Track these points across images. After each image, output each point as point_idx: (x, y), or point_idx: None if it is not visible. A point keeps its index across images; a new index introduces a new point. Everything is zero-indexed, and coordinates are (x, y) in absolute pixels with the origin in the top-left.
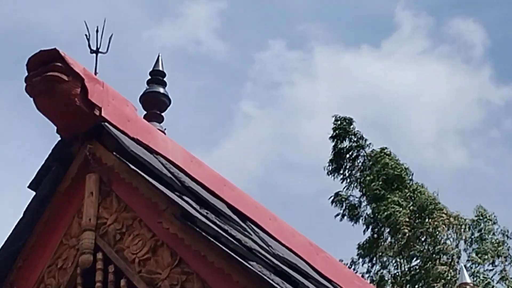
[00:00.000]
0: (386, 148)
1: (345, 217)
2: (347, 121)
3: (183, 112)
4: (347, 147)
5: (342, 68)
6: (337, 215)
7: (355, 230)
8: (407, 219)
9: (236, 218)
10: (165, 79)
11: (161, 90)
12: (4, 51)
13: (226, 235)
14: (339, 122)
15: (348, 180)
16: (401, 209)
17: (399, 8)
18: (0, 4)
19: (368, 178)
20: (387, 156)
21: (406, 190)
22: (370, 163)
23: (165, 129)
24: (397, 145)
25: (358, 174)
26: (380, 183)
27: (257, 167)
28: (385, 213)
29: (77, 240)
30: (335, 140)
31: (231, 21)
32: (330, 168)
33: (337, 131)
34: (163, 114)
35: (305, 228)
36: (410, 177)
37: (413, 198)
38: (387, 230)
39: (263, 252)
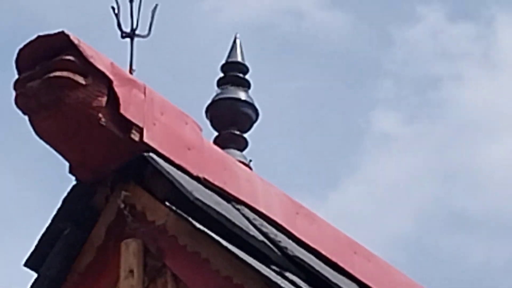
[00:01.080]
0: None
1: None
2: None
3: (277, 132)
4: None
5: None
6: None
7: None
8: None
9: None
10: (247, 76)
11: (242, 95)
12: None
13: None
14: None
15: None
16: None
17: None
18: None
19: None
20: None
21: None
22: None
23: (250, 161)
24: None
25: None
26: None
27: (405, 221)
28: None
29: None
30: None
31: None
32: None
33: None
34: (246, 135)
35: None
36: None
37: None
38: None
39: None
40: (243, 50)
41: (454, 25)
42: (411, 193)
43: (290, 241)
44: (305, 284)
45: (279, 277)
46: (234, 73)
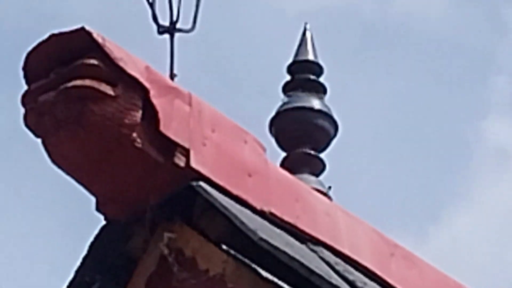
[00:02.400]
0: None
1: None
2: None
3: (362, 150)
4: None
5: None
6: None
7: None
8: None
9: None
10: (322, 79)
11: (316, 103)
12: None
13: None
14: None
15: None
16: None
17: None
18: None
19: None
20: None
21: None
22: None
23: (329, 188)
24: None
25: None
26: None
27: None
28: None
29: None
30: None
31: None
32: None
33: None
34: (322, 155)
35: None
36: None
37: None
38: None
39: None
40: (315, 45)
41: None
42: None
43: None
44: None
45: None
46: (304, 75)
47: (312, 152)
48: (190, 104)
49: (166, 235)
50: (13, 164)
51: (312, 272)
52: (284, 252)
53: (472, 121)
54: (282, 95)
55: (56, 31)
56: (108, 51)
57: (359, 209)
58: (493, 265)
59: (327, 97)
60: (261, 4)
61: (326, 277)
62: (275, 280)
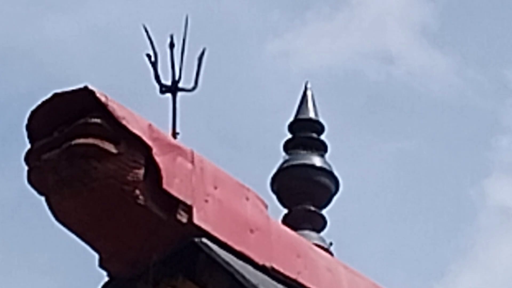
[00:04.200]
0: None
1: None
2: None
3: (364, 207)
4: None
5: None
6: None
7: None
8: None
9: None
10: (323, 137)
11: (317, 161)
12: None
13: None
14: None
15: None
16: None
17: None
18: None
19: None
20: None
21: None
22: None
23: (330, 244)
24: None
25: None
26: None
27: None
28: None
29: None
30: None
31: (450, 8)
32: None
33: None
34: (323, 212)
35: None
36: None
37: None
38: None
39: None
40: (316, 104)
41: None
42: None
43: None
44: None
45: None
46: (305, 133)
47: (313, 208)
48: (192, 162)
49: None
50: (17, 223)
51: None
52: None
53: (476, 180)
54: (283, 153)
55: (59, 90)
56: (111, 109)
57: (360, 265)
58: None
59: (327, 155)
60: (265, 62)
61: None
62: None
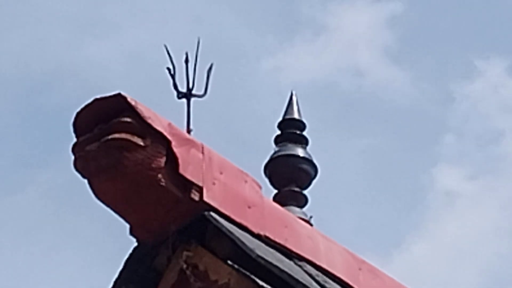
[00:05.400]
0: None
1: None
2: None
3: (338, 189)
4: None
5: None
6: None
7: None
8: None
9: None
10: (305, 133)
11: (300, 152)
12: (33, 120)
13: None
14: None
15: None
16: None
17: None
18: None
19: None
20: None
21: None
22: None
23: (310, 217)
24: None
25: None
26: None
27: (472, 280)
28: None
29: None
30: None
31: (411, 33)
32: None
33: None
34: (305, 192)
35: None
36: None
37: None
38: None
39: None
40: (300, 107)
41: None
42: (477, 251)
43: None
44: None
45: None
46: (291, 130)
47: (297, 189)
48: (202, 152)
49: (185, 253)
50: (67, 203)
51: (298, 281)
52: (276, 266)
53: (426, 169)
54: (274, 146)
55: (98, 96)
56: (139, 111)
57: (334, 234)
58: (442, 284)
59: (308, 148)
60: (260, 76)
61: (309, 285)
62: None
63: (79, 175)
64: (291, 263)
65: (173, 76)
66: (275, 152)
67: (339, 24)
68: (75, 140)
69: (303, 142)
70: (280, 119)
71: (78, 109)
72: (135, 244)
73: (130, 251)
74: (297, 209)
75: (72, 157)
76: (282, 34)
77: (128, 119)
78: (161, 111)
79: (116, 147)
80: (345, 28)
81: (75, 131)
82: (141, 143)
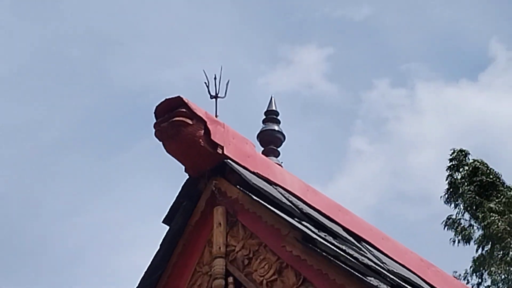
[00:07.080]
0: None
1: (458, 242)
2: (463, 153)
3: (298, 149)
4: (461, 177)
5: (444, 102)
6: (452, 241)
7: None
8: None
9: (351, 239)
10: (279, 117)
11: (276, 127)
12: (133, 111)
13: (345, 254)
14: (455, 154)
15: (461, 207)
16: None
17: (493, 42)
18: (125, 69)
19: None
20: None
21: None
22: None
23: (281, 162)
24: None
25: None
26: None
27: (371, 198)
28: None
29: (209, 267)
30: (451, 171)
31: (338, 64)
32: (446, 197)
33: (453, 162)
34: (279, 149)
35: (418, 249)
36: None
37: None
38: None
39: (379, 269)
40: (276, 103)
41: None
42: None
43: (304, 205)
44: (314, 228)
45: (299, 224)
46: (271, 116)
47: (274, 147)
48: (223, 128)
49: (214, 182)
50: (152, 161)
51: (274, 197)
52: (263, 189)
53: (345, 140)
54: (262, 124)
55: (168, 97)
56: (189, 105)
57: (294, 170)
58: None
59: (281, 125)
60: (257, 86)
61: (280, 198)
62: (259, 200)
63: (158, 140)
64: (271, 187)
65: (207, 87)
66: (262, 128)
67: (297, 58)
68: (155, 121)
69: (278, 122)
70: (265, 109)
71: (157, 104)
72: (187, 177)
73: (184, 181)
74: (274, 158)
75: (153, 130)
76: (268, 64)
77: (184, 109)
78: (201, 105)
79: (177, 124)
80: (301, 62)
81: (155, 116)
82: (190, 122)
